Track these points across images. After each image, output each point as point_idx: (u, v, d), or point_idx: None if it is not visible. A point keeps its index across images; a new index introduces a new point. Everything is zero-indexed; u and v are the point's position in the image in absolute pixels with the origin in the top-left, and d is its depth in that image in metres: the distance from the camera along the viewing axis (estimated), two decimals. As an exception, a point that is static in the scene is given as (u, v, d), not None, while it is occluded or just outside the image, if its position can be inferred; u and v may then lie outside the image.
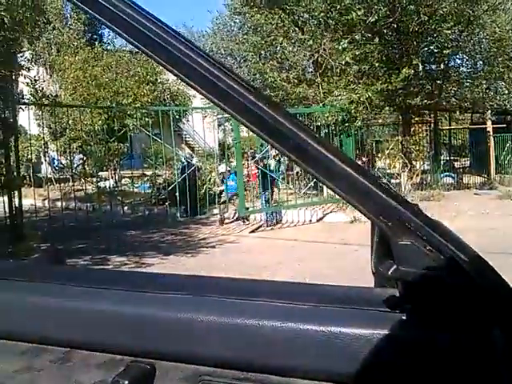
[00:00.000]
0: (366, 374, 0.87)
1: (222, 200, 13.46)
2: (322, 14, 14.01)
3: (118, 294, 1.09)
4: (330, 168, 0.83)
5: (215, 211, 13.70)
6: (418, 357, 0.85)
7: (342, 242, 10.02)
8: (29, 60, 17.27)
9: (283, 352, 0.92)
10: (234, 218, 13.36)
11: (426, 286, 0.84)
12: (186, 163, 14.72)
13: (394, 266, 0.84)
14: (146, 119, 15.37)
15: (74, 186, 13.84)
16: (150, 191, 16.06)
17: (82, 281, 1.19)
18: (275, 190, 13.80)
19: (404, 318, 0.87)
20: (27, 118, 12.76)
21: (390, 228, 0.84)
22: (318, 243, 10.21)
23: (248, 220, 13.02)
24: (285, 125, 0.83)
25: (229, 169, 14.30)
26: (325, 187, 14.73)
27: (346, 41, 13.75)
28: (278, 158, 14.20)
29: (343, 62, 13.84)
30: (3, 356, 1.11)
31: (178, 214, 13.04)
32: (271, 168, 13.44)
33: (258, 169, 13.17)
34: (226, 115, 15.58)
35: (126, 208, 14.40)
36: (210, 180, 15.19)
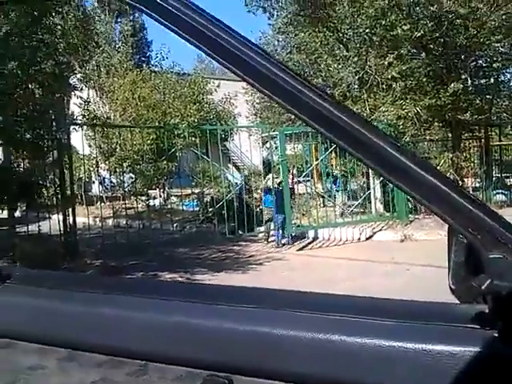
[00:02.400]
0: None
1: (267, 217, 13.44)
2: (366, 31, 13.95)
3: (194, 307, 1.08)
4: (415, 178, 0.81)
5: (262, 228, 13.71)
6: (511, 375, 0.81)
7: (392, 261, 9.80)
8: (80, 80, 17.87)
9: (370, 369, 0.89)
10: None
11: None
12: (235, 182, 14.79)
13: (488, 281, 0.80)
14: (193, 138, 15.61)
15: (125, 204, 14.12)
16: (197, 209, 16.23)
17: (155, 292, 1.18)
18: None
19: (495, 335, 0.84)
20: (80, 139, 13.15)
21: (480, 241, 0.81)
22: (368, 262, 10.03)
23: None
24: (363, 133, 0.82)
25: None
26: (373, 205, 14.58)
27: (392, 56, 13.63)
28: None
29: (389, 77, 13.73)
30: (81, 367, 1.12)
31: (226, 231, 13.12)
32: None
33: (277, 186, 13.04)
34: (272, 133, 15.68)
35: (175, 225, 14.60)
36: (255, 198, 15.25)
